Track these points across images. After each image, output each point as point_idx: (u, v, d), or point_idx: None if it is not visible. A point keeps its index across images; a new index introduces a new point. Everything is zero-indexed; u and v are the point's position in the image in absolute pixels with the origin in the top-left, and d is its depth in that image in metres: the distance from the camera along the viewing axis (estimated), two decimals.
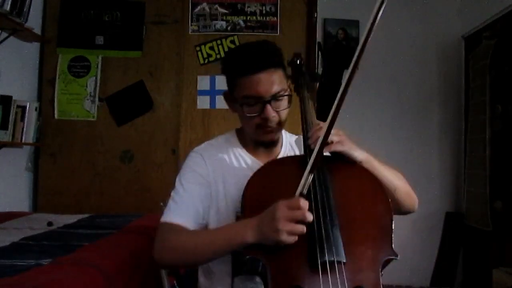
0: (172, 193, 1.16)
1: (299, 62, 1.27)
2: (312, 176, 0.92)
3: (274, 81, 1.10)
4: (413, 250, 3.27)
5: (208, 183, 1.17)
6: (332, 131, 1.02)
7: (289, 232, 0.89)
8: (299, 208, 0.89)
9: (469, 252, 3.18)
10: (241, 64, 1.11)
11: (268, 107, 1.10)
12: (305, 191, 0.92)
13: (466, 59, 3.25)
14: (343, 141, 1.05)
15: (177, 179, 1.18)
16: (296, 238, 0.90)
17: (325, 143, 0.93)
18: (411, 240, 3.30)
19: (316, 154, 0.91)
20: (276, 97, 1.11)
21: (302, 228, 0.89)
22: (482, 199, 2.81)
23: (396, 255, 0.96)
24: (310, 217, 0.90)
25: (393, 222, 1.02)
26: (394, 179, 1.12)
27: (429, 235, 3.34)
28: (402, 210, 1.16)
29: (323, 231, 0.93)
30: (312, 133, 1.06)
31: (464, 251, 3.24)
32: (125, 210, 2.70)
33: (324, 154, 1.05)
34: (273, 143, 1.21)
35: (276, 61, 1.13)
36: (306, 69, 1.30)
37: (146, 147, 2.89)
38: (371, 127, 3.35)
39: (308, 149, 1.06)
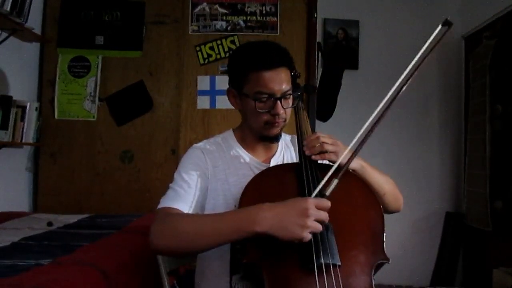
0: (171, 185, 1.15)
1: (294, 74, 1.29)
2: (336, 182, 0.96)
3: (285, 80, 1.14)
4: (413, 250, 3.27)
5: (207, 177, 1.18)
6: (328, 141, 1.10)
7: (312, 230, 0.90)
8: (326, 209, 0.92)
9: (469, 252, 3.18)
10: (257, 60, 1.13)
11: (279, 104, 1.13)
12: (328, 193, 0.95)
13: (466, 59, 3.25)
14: (338, 151, 1.10)
15: (176, 173, 1.18)
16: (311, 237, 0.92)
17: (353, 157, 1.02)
18: (411, 240, 3.30)
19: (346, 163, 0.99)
20: (285, 95, 1.14)
21: (321, 228, 0.91)
22: (482, 199, 2.81)
23: (388, 259, 0.99)
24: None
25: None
26: (384, 185, 1.18)
27: (429, 235, 3.34)
28: (388, 211, 1.22)
29: (318, 235, 0.94)
30: (308, 141, 1.12)
31: (464, 251, 3.24)
32: (125, 210, 2.71)
33: (320, 162, 1.12)
34: (277, 138, 1.24)
35: (288, 61, 1.17)
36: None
37: (146, 147, 2.90)
38: None
39: (303, 156, 1.12)
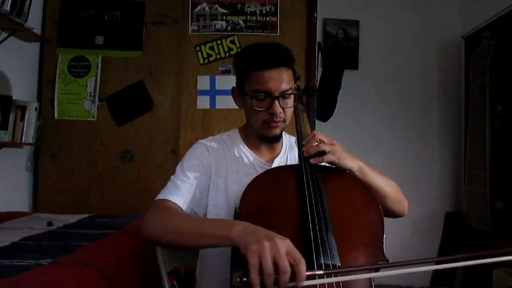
0: (172, 177, 1.18)
1: (294, 77, 1.30)
2: None
3: (284, 79, 1.15)
4: (413, 250, 3.27)
5: (208, 174, 1.20)
6: (326, 140, 1.10)
7: (261, 263, 0.77)
8: (295, 261, 0.78)
9: (469, 252, 3.17)
10: (256, 59, 1.15)
11: (276, 103, 1.14)
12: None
13: (466, 59, 3.25)
14: (335, 151, 1.10)
15: (178, 165, 1.21)
16: (256, 277, 0.78)
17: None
18: (411, 240, 3.30)
19: None
20: (284, 95, 1.15)
21: (269, 278, 0.76)
22: (482, 199, 2.80)
23: (387, 261, 0.99)
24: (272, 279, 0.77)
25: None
26: (385, 187, 1.17)
27: (429, 235, 3.34)
28: (391, 214, 1.21)
29: (318, 236, 0.94)
30: (306, 142, 1.12)
31: (464, 251, 3.24)
32: (125, 210, 2.70)
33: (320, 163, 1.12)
34: (276, 139, 1.25)
35: (289, 61, 1.17)
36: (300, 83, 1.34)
37: (146, 147, 2.90)
38: (371, 127, 3.35)
39: (303, 157, 1.12)
